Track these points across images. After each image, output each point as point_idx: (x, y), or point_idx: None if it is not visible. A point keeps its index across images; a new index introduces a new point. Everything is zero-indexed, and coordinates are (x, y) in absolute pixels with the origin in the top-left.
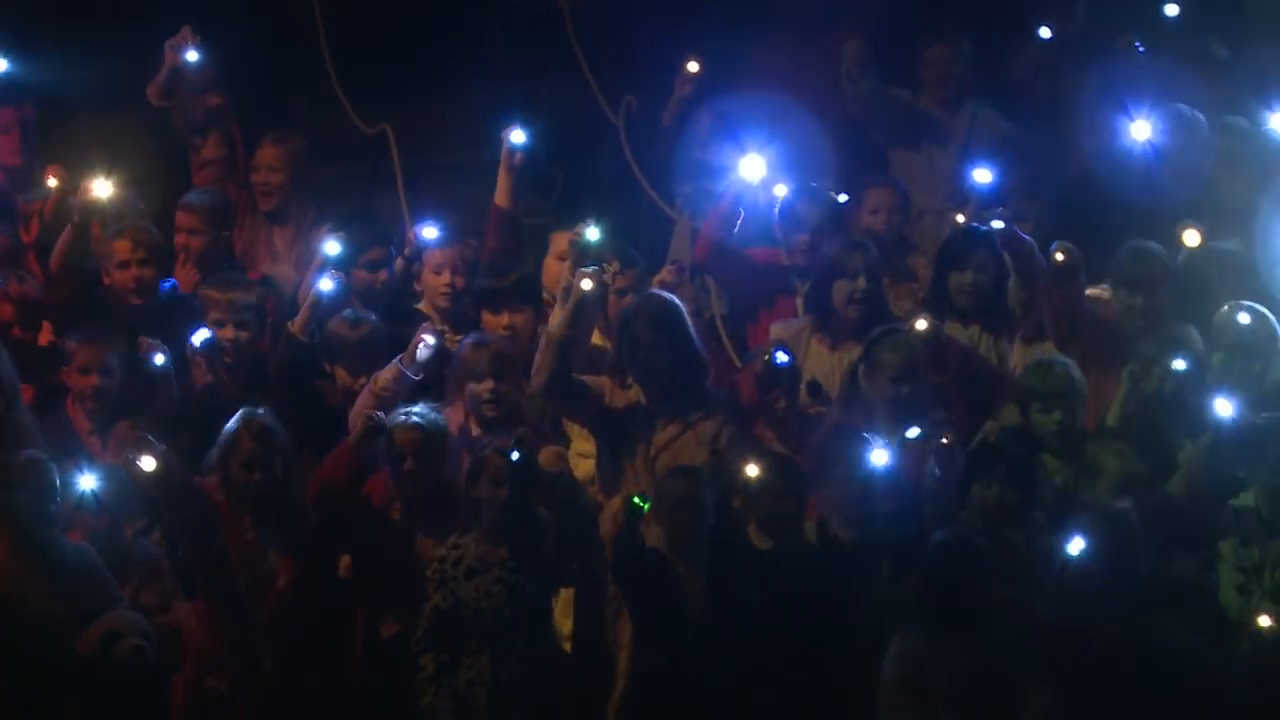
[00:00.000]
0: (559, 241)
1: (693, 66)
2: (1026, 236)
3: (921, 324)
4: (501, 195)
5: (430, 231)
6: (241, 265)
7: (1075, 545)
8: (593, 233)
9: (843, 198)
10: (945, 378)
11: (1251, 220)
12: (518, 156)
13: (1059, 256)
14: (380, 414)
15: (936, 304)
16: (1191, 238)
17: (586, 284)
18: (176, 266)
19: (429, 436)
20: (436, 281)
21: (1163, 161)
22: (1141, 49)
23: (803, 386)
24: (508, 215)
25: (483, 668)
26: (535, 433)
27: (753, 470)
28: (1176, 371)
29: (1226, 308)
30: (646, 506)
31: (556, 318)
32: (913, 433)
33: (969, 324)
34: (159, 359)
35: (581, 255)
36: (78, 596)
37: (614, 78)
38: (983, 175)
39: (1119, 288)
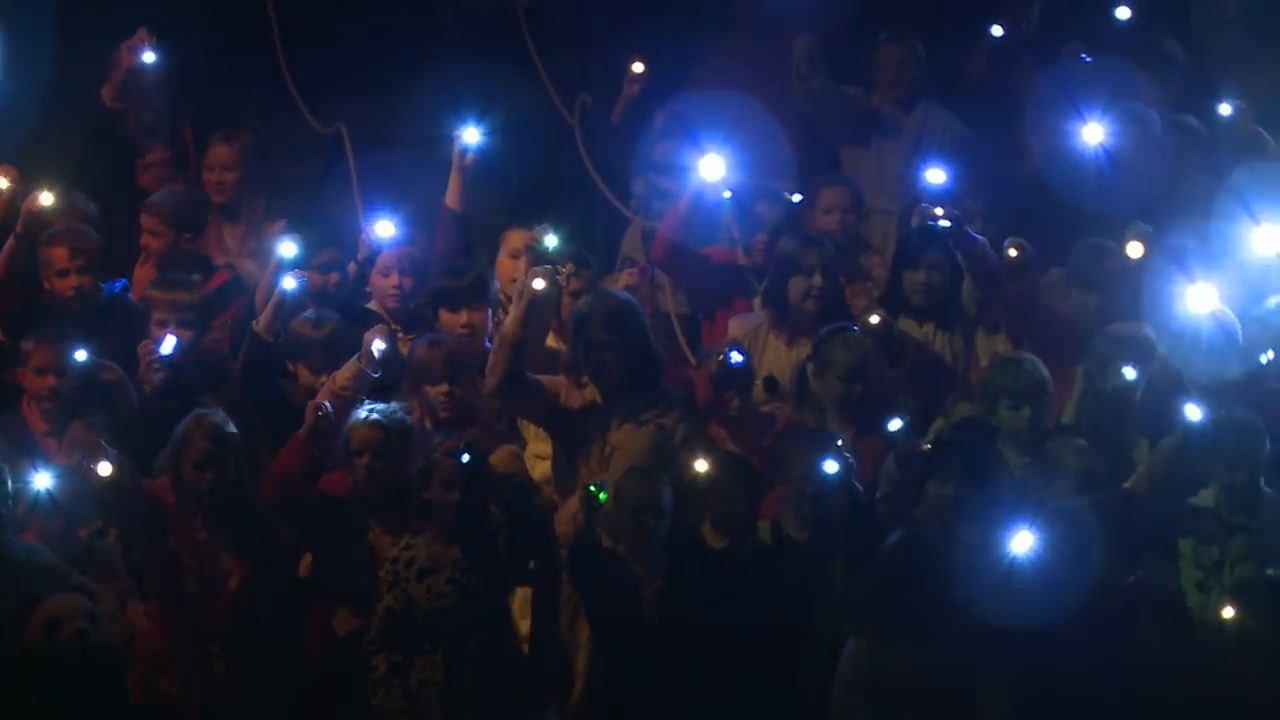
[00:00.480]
0: (513, 239)
1: (637, 67)
2: (977, 235)
3: (874, 319)
4: (452, 196)
5: (384, 227)
6: (211, 265)
7: (1021, 542)
8: (550, 240)
9: (796, 198)
10: (899, 372)
11: (1206, 217)
12: (469, 157)
13: (1011, 253)
14: (327, 405)
15: (891, 302)
16: (1135, 249)
17: (539, 284)
18: (137, 266)
19: (389, 434)
20: (385, 284)
21: (1116, 161)
22: (1088, 59)
23: (759, 382)
24: (458, 216)
25: (435, 668)
26: (490, 433)
27: (702, 465)
28: (1131, 375)
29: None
30: (604, 496)
31: (509, 317)
32: (895, 424)
33: (923, 321)
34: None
35: (538, 261)
36: (31, 592)
37: (569, 77)
38: (936, 176)
39: (1073, 285)
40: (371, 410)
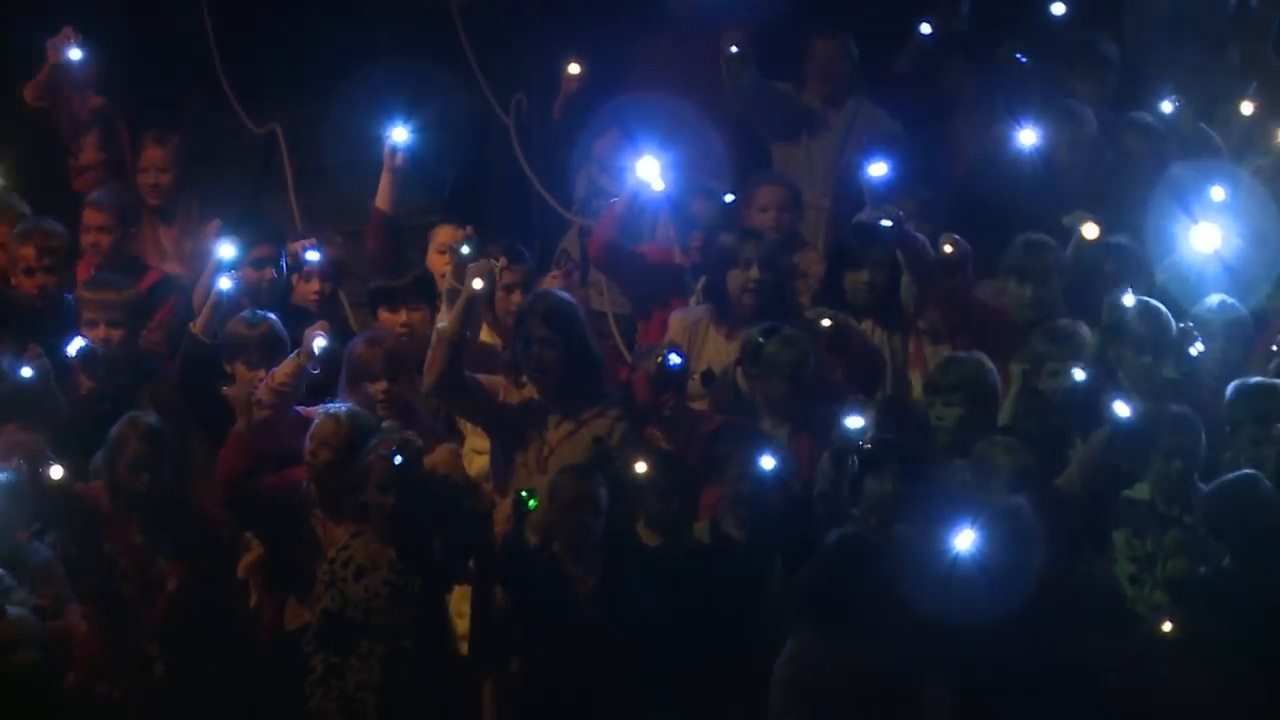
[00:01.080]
0: (440, 235)
1: (574, 68)
2: (918, 235)
3: (825, 321)
4: (382, 197)
5: (313, 255)
6: (143, 265)
7: (964, 540)
8: (467, 247)
9: (729, 198)
10: (843, 366)
11: (1145, 215)
12: (399, 157)
13: (946, 249)
14: (264, 398)
15: (829, 300)
16: (1090, 230)
17: (478, 283)
18: (81, 264)
19: (345, 429)
20: (306, 289)
21: (1050, 159)
22: (1024, 59)
23: (696, 376)
24: (388, 217)
25: (371, 670)
26: (428, 431)
27: (641, 467)
28: (1070, 374)
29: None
30: (534, 502)
31: (445, 316)
32: (856, 422)
33: (862, 319)
34: (25, 371)
35: (458, 264)
36: None
37: (504, 76)
38: (878, 169)
39: (1009, 279)
40: (328, 405)
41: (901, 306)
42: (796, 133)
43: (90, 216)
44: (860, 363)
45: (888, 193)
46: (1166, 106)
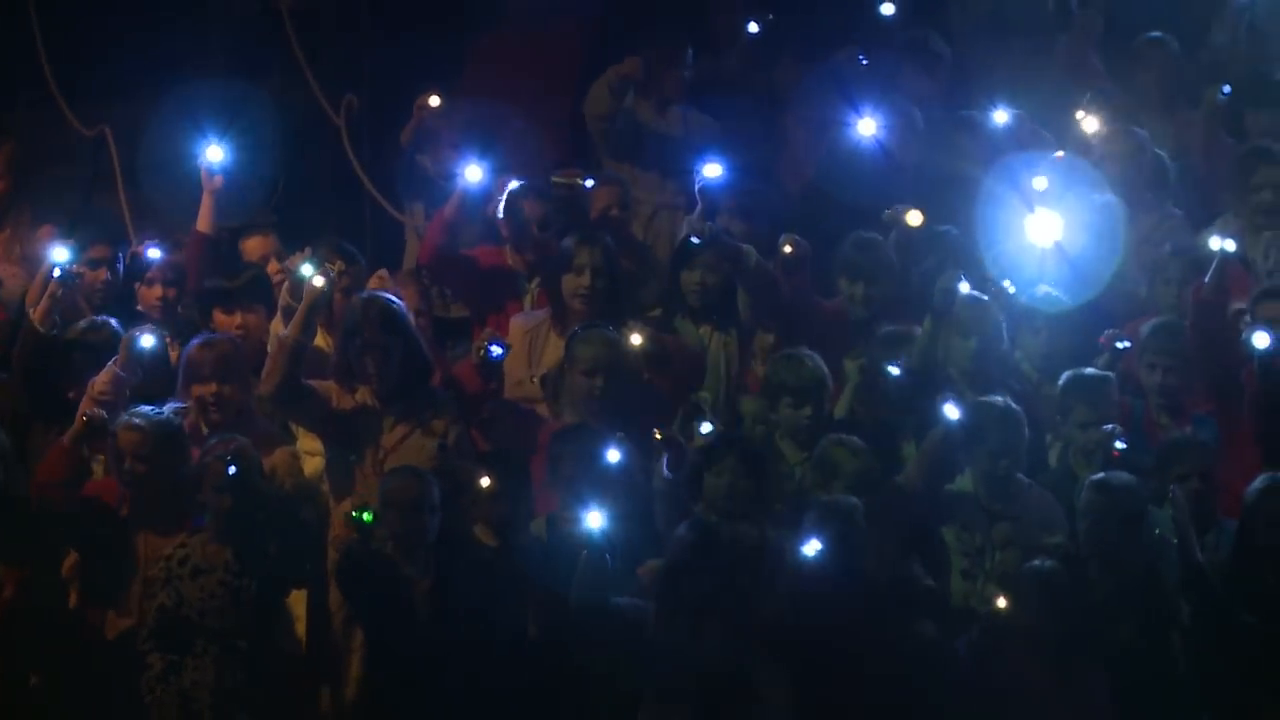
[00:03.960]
0: (249, 246)
1: (433, 100)
2: (735, 243)
3: (636, 338)
4: (203, 219)
5: (154, 253)
6: None
7: (811, 547)
8: (307, 269)
9: (589, 182)
10: (667, 378)
11: (978, 208)
12: (216, 180)
13: (786, 249)
14: (99, 411)
15: (670, 302)
16: (914, 217)
17: (319, 281)
18: None
19: (152, 438)
20: (149, 294)
21: (882, 157)
22: (864, 60)
23: (535, 380)
24: (208, 239)
25: (206, 669)
26: (264, 434)
27: (485, 481)
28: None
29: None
30: (369, 517)
31: (291, 321)
32: (705, 428)
33: (700, 323)
34: None
35: (296, 284)
36: None
37: (335, 77)
38: (712, 170)
39: (841, 277)
40: (134, 414)
41: (739, 308)
42: (639, 151)
43: None
44: (681, 372)
45: (722, 193)
46: (1001, 116)
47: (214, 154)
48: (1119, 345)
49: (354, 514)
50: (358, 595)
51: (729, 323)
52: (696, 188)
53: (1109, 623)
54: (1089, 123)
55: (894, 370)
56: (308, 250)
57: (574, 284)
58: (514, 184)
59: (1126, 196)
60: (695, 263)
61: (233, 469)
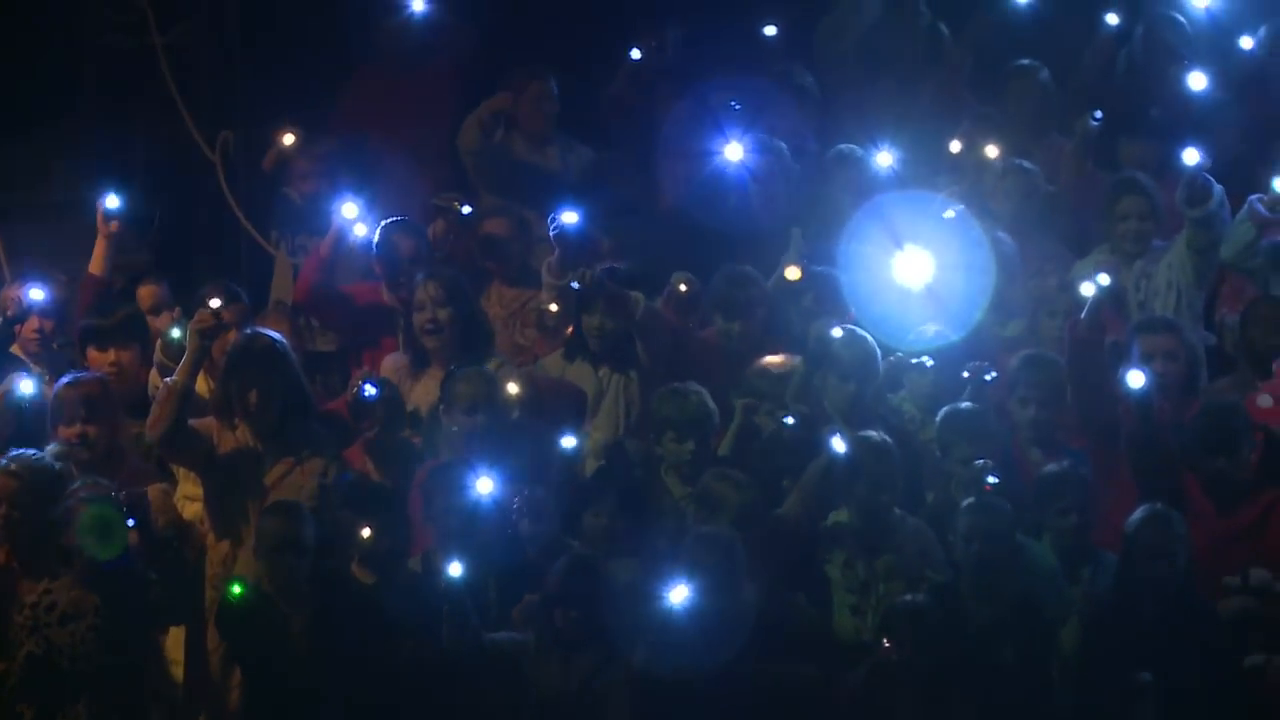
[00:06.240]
0: (142, 294)
1: (288, 139)
2: (623, 292)
3: (513, 388)
4: (96, 262)
5: (36, 294)
6: None
7: (678, 594)
8: (176, 332)
9: (466, 209)
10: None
11: (849, 245)
12: (114, 225)
13: (682, 288)
14: None
15: (575, 344)
16: (792, 273)
17: (210, 310)
18: None
19: (24, 483)
20: (25, 328)
21: (749, 189)
22: (738, 106)
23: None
24: (101, 281)
25: (80, 716)
26: (138, 472)
27: (365, 533)
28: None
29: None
30: (239, 591)
31: (180, 366)
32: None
33: (599, 366)
34: None
35: (170, 350)
36: None
37: (210, 113)
38: (569, 216)
39: (715, 312)
40: (6, 459)
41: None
42: (518, 188)
43: None
44: (557, 412)
45: (580, 237)
46: (886, 158)
47: (112, 201)
48: (986, 377)
49: (229, 589)
50: (235, 636)
51: (628, 365)
52: (553, 234)
53: (985, 654)
54: (989, 150)
55: (789, 420)
56: (178, 311)
57: (419, 320)
58: (387, 220)
59: (1014, 229)
60: (594, 306)
61: (131, 521)
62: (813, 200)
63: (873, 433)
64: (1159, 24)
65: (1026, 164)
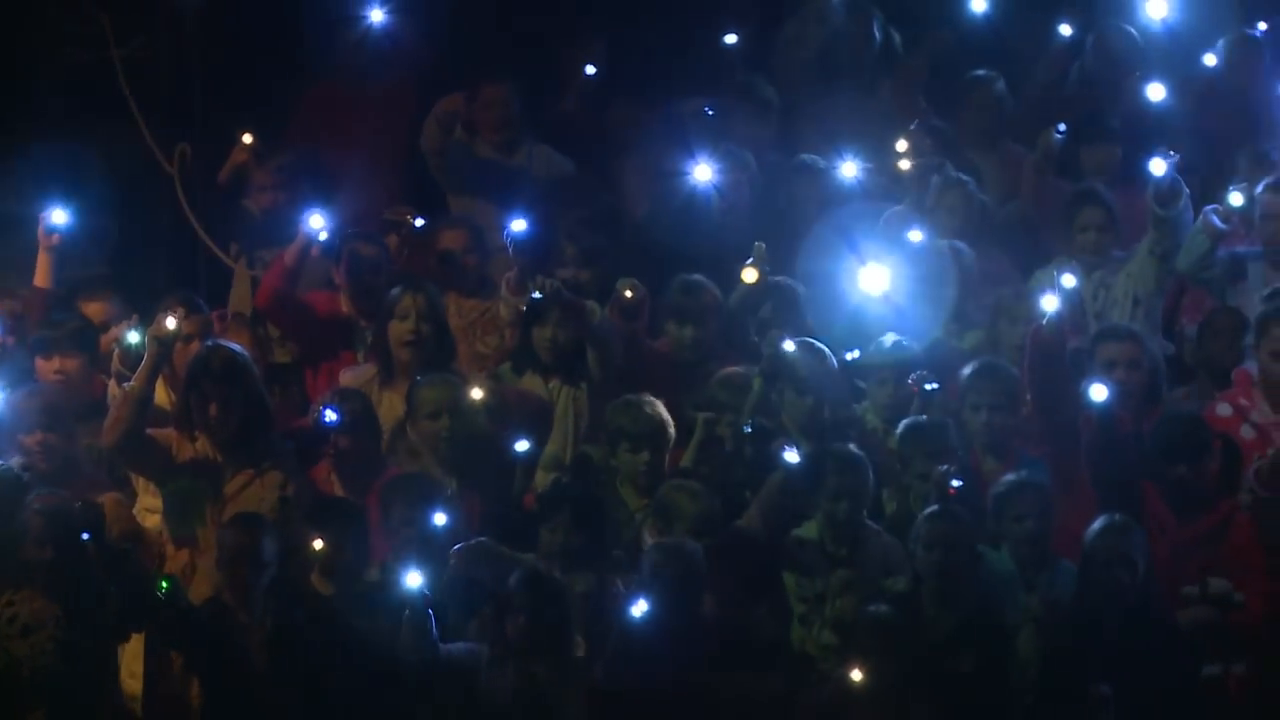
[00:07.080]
0: (89, 310)
1: (247, 139)
2: (579, 300)
3: (476, 393)
4: (41, 276)
5: None
6: None
7: (638, 608)
8: (134, 336)
9: (419, 222)
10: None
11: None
12: (55, 238)
13: (627, 294)
14: None
15: (523, 356)
16: (749, 275)
17: (171, 323)
18: None
19: None
20: None
21: (719, 200)
22: (711, 112)
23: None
24: (50, 295)
25: None
26: (93, 482)
27: (317, 544)
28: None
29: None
30: (165, 586)
31: (138, 372)
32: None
33: (549, 378)
34: None
35: (126, 353)
36: None
37: (168, 126)
38: (518, 225)
39: (669, 320)
40: None
41: (590, 363)
42: (482, 187)
43: None
44: (523, 423)
45: (537, 247)
46: (850, 169)
47: (58, 216)
48: (927, 387)
49: (158, 584)
50: (188, 645)
51: (578, 377)
52: (509, 245)
53: (945, 662)
54: (912, 153)
55: (747, 429)
56: (135, 318)
57: (399, 330)
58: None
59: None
60: (547, 318)
61: (86, 535)
62: (773, 211)
63: (847, 445)
64: (1109, 34)
65: (962, 176)
